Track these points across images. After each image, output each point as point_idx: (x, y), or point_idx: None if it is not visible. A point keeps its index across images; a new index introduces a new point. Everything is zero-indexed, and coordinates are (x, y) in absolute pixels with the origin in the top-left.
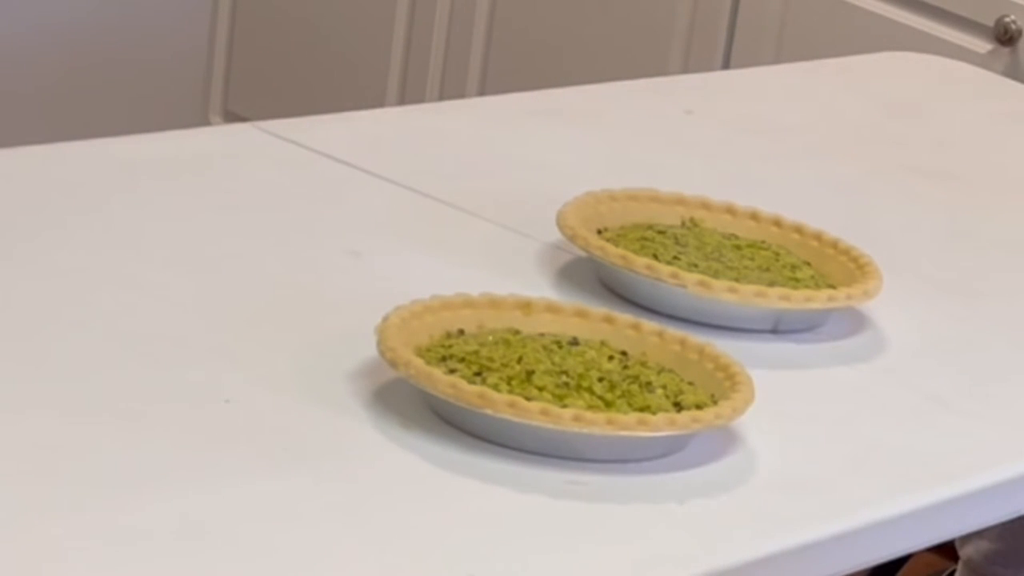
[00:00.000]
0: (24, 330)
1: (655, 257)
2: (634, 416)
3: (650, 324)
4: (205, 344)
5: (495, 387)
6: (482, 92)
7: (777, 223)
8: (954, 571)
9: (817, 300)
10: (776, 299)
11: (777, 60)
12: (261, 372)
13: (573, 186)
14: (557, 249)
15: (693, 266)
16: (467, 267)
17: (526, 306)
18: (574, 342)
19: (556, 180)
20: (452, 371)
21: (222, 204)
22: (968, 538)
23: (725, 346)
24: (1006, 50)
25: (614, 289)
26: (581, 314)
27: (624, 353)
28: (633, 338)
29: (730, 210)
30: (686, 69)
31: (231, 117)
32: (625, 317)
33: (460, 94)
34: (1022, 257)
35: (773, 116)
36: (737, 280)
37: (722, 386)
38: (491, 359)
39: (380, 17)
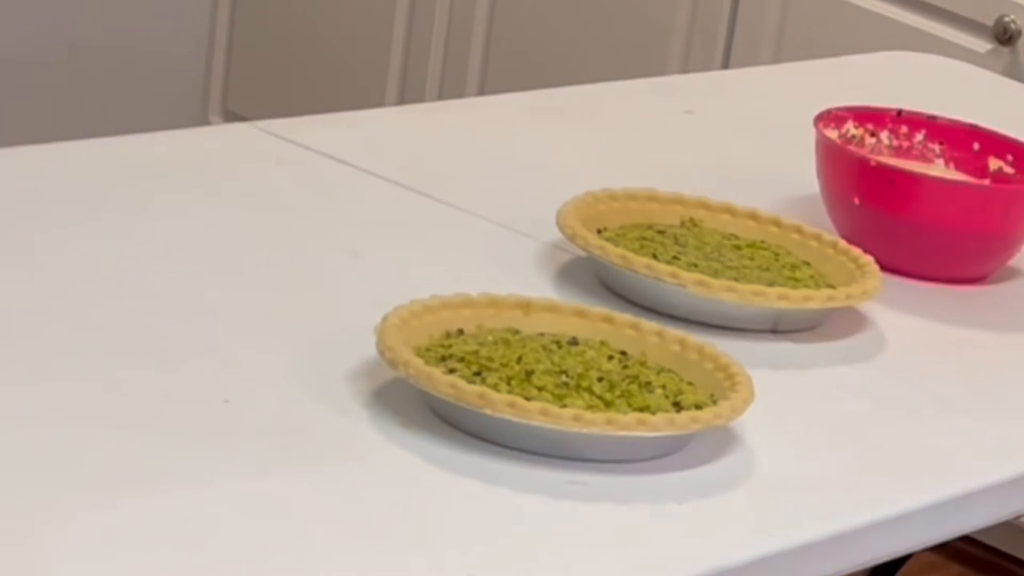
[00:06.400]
0: (22, 330)
1: (655, 257)
2: (633, 416)
3: (650, 324)
4: (205, 344)
5: (495, 387)
6: (482, 92)
7: (776, 223)
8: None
9: (816, 300)
10: (775, 299)
11: (776, 60)
12: (261, 372)
13: (573, 186)
14: (557, 249)
15: (693, 266)
16: (467, 267)
17: (526, 306)
18: (574, 342)
19: (556, 180)
20: (452, 371)
21: (222, 204)
22: None
23: (725, 346)
24: (1006, 50)
25: (614, 289)
26: (581, 314)
27: (624, 353)
28: (633, 338)
29: (729, 210)
30: (686, 69)
31: (231, 117)
32: (625, 317)
33: (460, 94)
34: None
35: (773, 116)
36: (737, 280)
37: (722, 386)
38: (491, 359)
39: (380, 17)
